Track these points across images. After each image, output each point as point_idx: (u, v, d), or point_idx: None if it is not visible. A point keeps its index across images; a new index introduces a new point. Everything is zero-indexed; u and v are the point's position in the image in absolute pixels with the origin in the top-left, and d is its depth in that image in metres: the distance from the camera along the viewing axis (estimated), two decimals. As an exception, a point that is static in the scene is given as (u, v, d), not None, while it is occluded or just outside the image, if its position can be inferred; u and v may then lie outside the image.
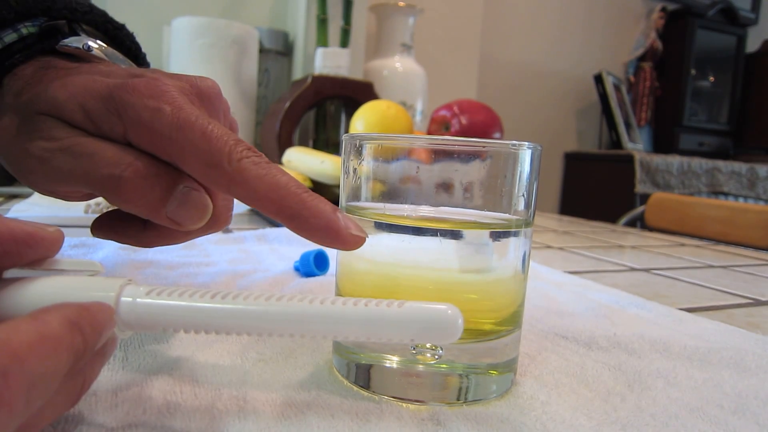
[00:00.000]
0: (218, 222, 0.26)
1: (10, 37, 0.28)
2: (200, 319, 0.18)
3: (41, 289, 0.18)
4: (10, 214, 0.58)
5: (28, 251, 0.18)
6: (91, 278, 0.19)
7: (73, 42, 0.28)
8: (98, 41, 0.29)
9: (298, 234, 0.21)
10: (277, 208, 0.21)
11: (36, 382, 0.13)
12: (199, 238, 0.36)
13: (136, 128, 0.23)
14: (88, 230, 0.27)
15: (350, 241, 0.21)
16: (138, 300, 0.18)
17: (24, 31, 0.28)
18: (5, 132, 0.25)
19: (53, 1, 0.29)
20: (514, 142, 0.23)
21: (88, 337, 0.15)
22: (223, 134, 0.22)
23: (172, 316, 0.18)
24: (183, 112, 0.22)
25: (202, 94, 0.26)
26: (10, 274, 0.18)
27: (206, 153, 0.22)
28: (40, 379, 0.13)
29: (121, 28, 0.33)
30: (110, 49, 0.30)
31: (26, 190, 0.84)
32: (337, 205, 0.26)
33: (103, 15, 0.32)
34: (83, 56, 0.29)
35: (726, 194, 2.15)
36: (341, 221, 0.21)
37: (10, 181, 0.91)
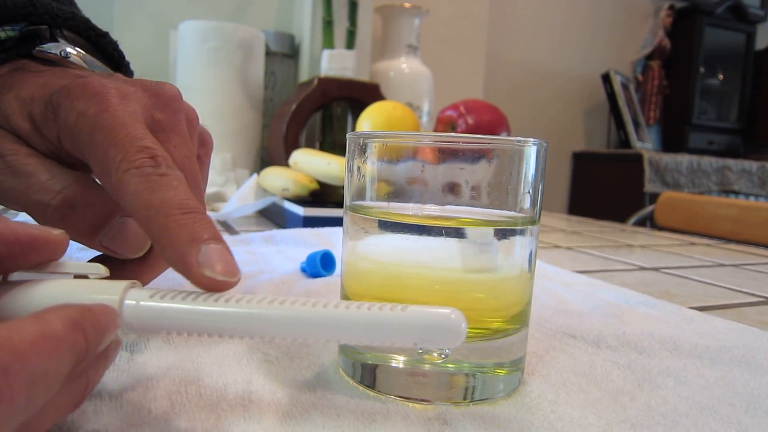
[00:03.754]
0: None
1: None
2: (203, 323, 0.17)
3: (45, 292, 0.18)
4: (19, 219, 0.59)
5: (32, 254, 0.18)
6: (95, 281, 0.19)
7: (51, 48, 0.28)
8: (77, 48, 0.29)
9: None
10: (145, 228, 0.19)
11: (37, 380, 0.13)
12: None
13: (63, 131, 0.22)
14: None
15: (204, 283, 0.18)
16: (141, 303, 0.18)
17: (2, 34, 0.28)
18: None
19: (34, 6, 0.28)
20: (519, 138, 0.22)
21: (90, 338, 0.15)
22: (128, 140, 0.20)
23: (176, 319, 0.17)
24: (103, 114, 0.21)
25: (159, 98, 0.24)
26: (15, 277, 0.18)
27: (102, 160, 0.20)
28: (42, 378, 0.13)
29: (104, 35, 0.32)
30: (89, 57, 0.29)
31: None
32: (342, 206, 0.26)
33: (86, 22, 0.31)
34: (60, 62, 0.28)
35: (737, 193, 2.13)
36: (197, 257, 0.18)
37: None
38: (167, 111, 0.24)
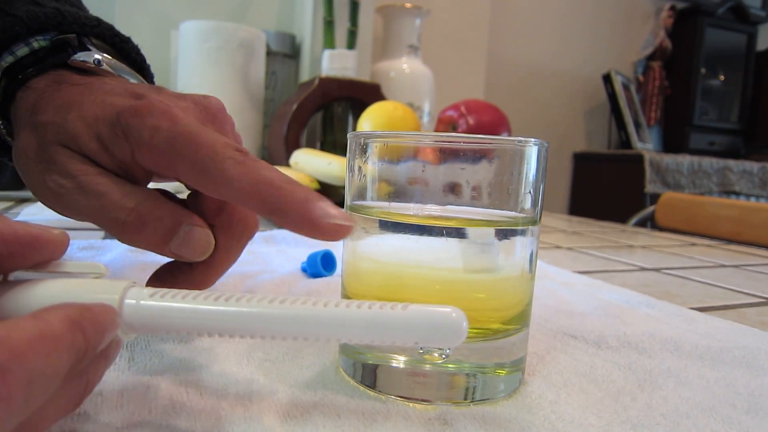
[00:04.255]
0: (248, 228, 0.26)
1: (22, 51, 0.29)
2: (204, 322, 0.17)
3: (44, 292, 0.18)
4: (20, 218, 0.59)
5: (32, 253, 0.18)
6: (95, 281, 0.19)
7: (84, 57, 0.30)
8: (105, 54, 0.31)
9: (287, 228, 0.21)
10: (258, 203, 0.21)
11: (36, 379, 0.13)
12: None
13: (139, 148, 0.23)
14: (97, 233, 0.28)
15: (328, 230, 0.20)
16: (141, 302, 0.18)
17: (35, 45, 0.29)
18: (24, 152, 0.26)
19: (63, 16, 0.30)
20: (521, 138, 0.22)
21: (89, 337, 0.15)
22: (212, 140, 0.22)
23: (176, 318, 0.17)
24: (178, 126, 0.23)
25: (208, 111, 0.27)
26: (15, 276, 0.18)
27: (194, 161, 0.22)
28: (40, 377, 0.13)
29: (127, 41, 0.33)
30: (117, 63, 0.31)
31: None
32: (343, 206, 0.26)
33: (111, 29, 0.33)
34: (93, 70, 0.30)
35: (737, 194, 2.13)
36: (317, 210, 0.20)
37: (21, 185, 0.92)
38: (216, 122, 0.27)
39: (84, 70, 0.29)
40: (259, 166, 0.22)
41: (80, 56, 0.29)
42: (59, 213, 0.26)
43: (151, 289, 0.18)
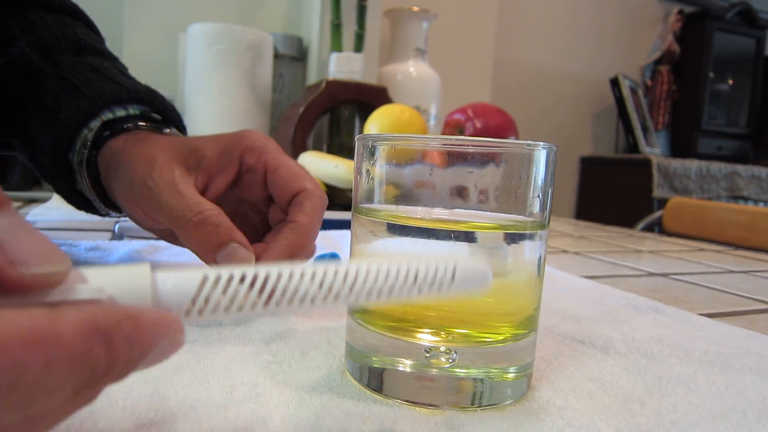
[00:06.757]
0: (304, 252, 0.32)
1: (120, 112, 0.37)
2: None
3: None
4: (28, 218, 0.59)
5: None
6: (113, 269, 0.15)
7: (169, 130, 0.39)
8: (173, 128, 0.39)
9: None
10: (308, 235, 0.31)
11: (19, 386, 0.10)
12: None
13: (246, 168, 0.33)
14: (104, 234, 0.28)
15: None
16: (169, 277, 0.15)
17: (131, 111, 0.37)
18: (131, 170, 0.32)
19: (155, 95, 0.39)
20: (529, 142, 0.22)
21: (118, 353, 0.12)
22: (305, 174, 0.33)
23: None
24: (279, 157, 0.33)
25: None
26: None
27: (293, 185, 0.32)
28: (26, 386, 0.10)
29: (173, 110, 0.41)
30: (174, 130, 0.40)
31: (44, 194, 0.85)
32: (350, 208, 0.26)
33: (179, 117, 0.41)
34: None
35: (746, 199, 2.11)
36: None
37: (29, 185, 0.93)
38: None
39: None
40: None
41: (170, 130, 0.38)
42: (134, 211, 0.32)
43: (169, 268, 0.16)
